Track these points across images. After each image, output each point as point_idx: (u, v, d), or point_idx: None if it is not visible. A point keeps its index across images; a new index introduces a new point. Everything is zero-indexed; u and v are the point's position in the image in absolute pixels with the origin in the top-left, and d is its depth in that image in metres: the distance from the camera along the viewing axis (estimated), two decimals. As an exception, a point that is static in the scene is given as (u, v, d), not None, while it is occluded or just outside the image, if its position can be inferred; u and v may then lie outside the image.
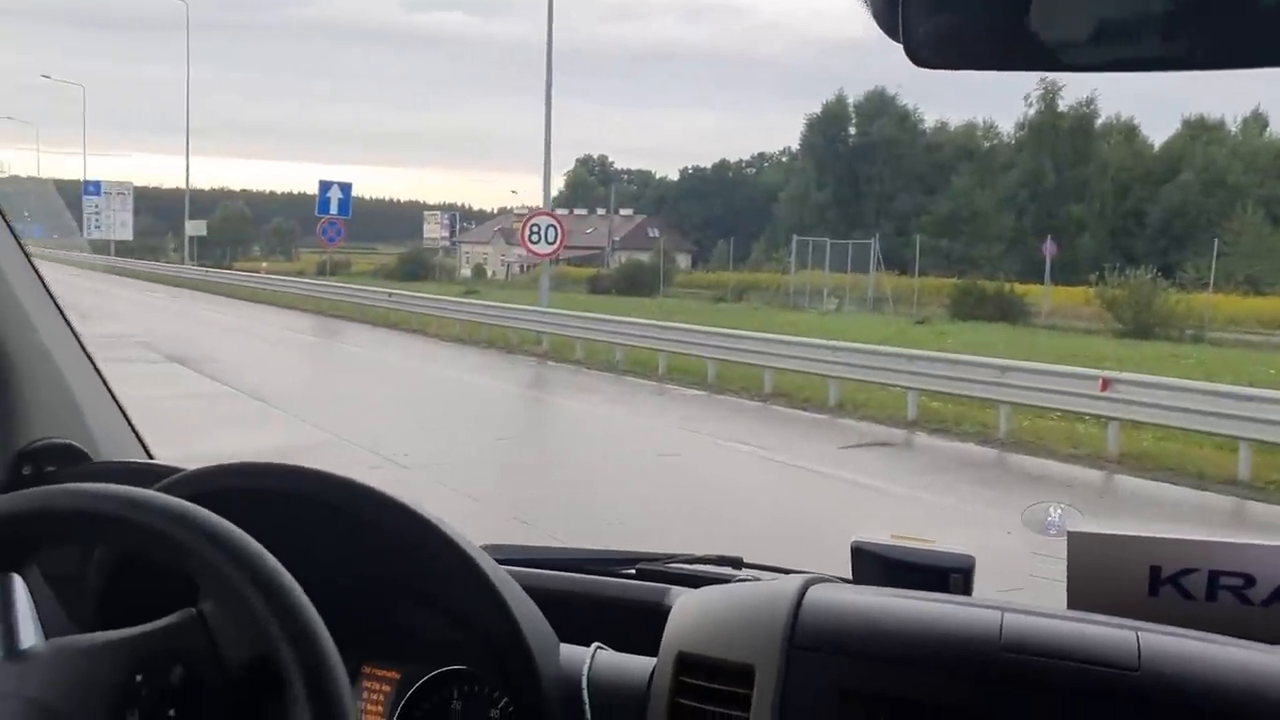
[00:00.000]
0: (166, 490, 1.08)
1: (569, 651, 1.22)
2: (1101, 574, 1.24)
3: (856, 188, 63.20)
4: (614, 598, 1.41)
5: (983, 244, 55.55)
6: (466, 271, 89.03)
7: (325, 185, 36.75)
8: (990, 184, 58.91)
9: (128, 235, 74.93)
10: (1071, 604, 1.24)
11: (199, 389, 15.47)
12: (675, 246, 72.79)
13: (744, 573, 1.47)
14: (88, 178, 71.00)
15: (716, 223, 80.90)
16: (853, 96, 66.74)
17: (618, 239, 74.88)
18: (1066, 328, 31.42)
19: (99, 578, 1.18)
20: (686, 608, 1.20)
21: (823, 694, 1.04)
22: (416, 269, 67.49)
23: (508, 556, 1.44)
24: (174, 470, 1.29)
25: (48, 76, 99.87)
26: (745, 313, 34.29)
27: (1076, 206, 55.72)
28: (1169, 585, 1.23)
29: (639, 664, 1.20)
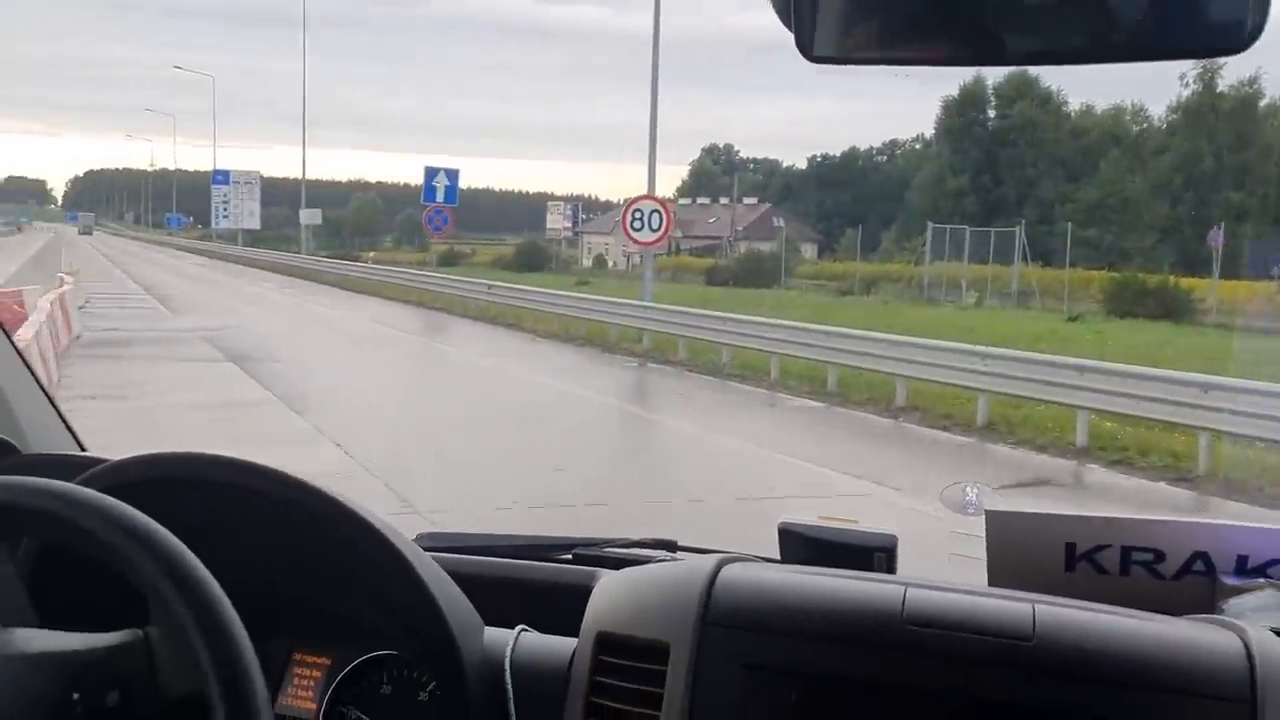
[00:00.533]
0: (88, 482, 1.12)
1: (493, 634, 1.21)
2: (1019, 551, 1.27)
3: (996, 174, 58.87)
4: (545, 582, 1.42)
5: (1135, 234, 50.93)
6: (588, 262, 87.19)
7: (431, 172, 34.79)
8: (1141, 170, 54.08)
9: (255, 224, 74.82)
10: (992, 581, 1.26)
11: (237, 395, 13.34)
12: (800, 236, 69.50)
13: (679, 555, 1.46)
14: (221, 168, 71.37)
15: (844, 212, 77.31)
16: (991, 79, 62.37)
17: (740, 228, 71.83)
18: (1243, 328, 27.38)
19: (26, 570, 1.15)
20: (607, 589, 1.20)
21: (733, 668, 1.06)
22: (533, 260, 65.74)
23: (443, 544, 1.48)
24: (102, 462, 1.25)
25: (179, 68, 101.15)
26: (874, 307, 31.03)
27: (1237, 194, 50.58)
28: (1084, 561, 1.26)
29: (562, 645, 1.19)
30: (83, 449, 1.83)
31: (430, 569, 1.20)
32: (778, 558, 1.35)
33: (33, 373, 1.87)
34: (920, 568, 1.28)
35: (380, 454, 9.86)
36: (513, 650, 1.20)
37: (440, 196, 34.75)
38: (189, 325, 21.00)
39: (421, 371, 17.65)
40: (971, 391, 12.93)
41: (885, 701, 1.04)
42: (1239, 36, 0.85)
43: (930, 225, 41.92)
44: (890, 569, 1.32)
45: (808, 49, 0.90)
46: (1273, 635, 1.04)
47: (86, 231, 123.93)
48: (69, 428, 1.87)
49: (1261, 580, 1.21)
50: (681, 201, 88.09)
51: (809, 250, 69.03)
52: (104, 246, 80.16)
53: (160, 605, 0.93)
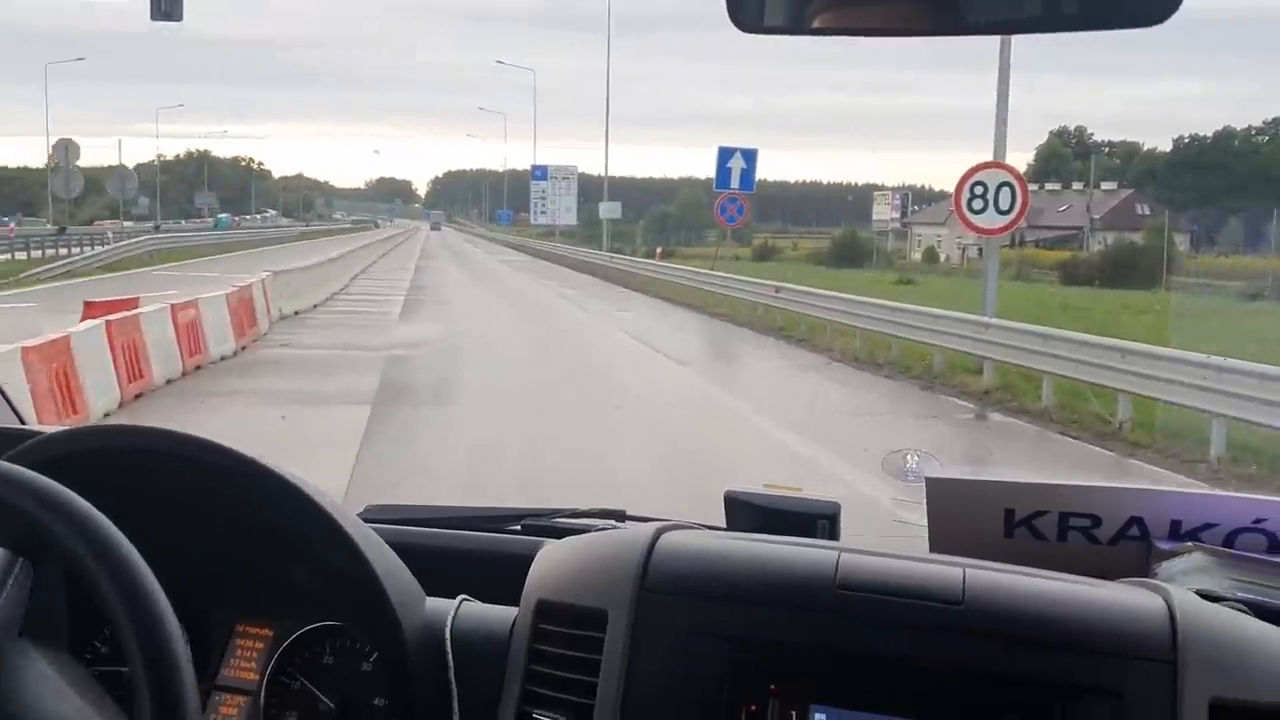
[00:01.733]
0: (19, 455, 1.11)
1: (435, 604, 1.20)
2: (959, 518, 1.26)
3: None
4: (490, 552, 1.41)
5: None
6: (916, 255, 78.99)
7: (725, 154, 29.08)
8: None
9: (571, 220, 72.74)
10: (933, 548, 1.25)
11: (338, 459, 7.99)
12: (1170, 225, 58.36)
13: (625, 525, 1.44)
14: (540, 164, 69.65)
15: (1217, 199, 65.03)
16: None
17: (1097, 217, 61.44)
18: None
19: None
20: (547, 558, 1.19)
21: (671, 634, 1.06)
22: (851, 254, 58.79)
23: (391, 516, 1.50)
24: (38, 434, 1.24)
25: (501, 62, 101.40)
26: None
27: None
28: (1023, 527, 1.25)
29: (503, 614, 1.19)
30: (22, 422, 1.76)
31: (372, 541, 1.19)
32: (724, 527, 1.33)
33: None
34: (864, 535, 1.25)
35: None
36: (454, 620, 1.18)
37: (735, 181, 28.97)
38: (394, 340, 16.50)
39: (650, 422, 11.49)
40: None
41: (818, 664, 1.03)
42: (1160, 8, 0.88)
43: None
44: (833, 536, 1.31)
45: (753, 20, 0.89)
46: (1195, 597, 1.04)
47: (436, 227, 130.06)
48: (9, 401, 1.81)
49: (1190, 544, 1.20)
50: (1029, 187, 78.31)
51: (1180, 241, 57.84)
52: (434, 242, 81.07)
53: (84, 579, 0.90)
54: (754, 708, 1.03)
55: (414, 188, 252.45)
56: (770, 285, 21.96)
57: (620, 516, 1.51)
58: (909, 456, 1.42)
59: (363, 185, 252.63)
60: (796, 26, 0.91)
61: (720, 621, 1.06)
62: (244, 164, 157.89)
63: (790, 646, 1.04)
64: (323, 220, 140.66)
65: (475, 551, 1.44)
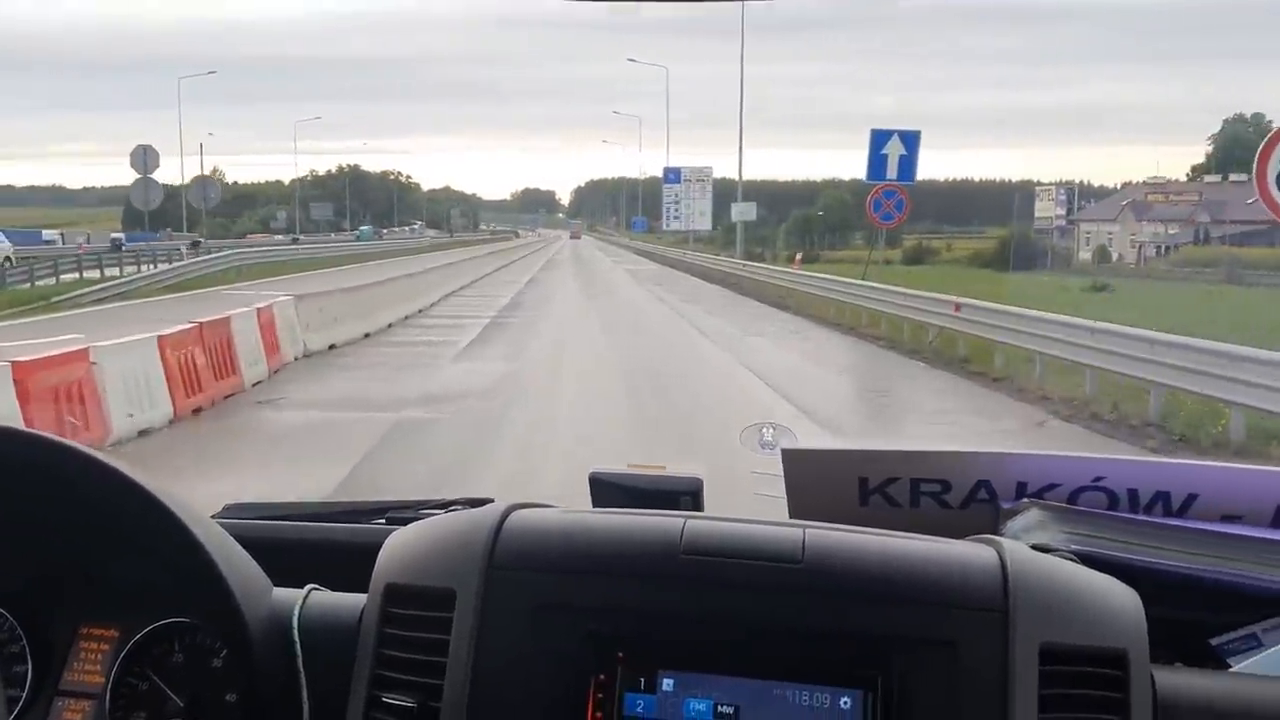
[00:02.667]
0: None
1: (282, 595, 1.17)
2: (816, 487, 1.27)
3: None
4: (344, 542, 1.39)
5: None
6: (1085, 254, 71.28)
7: (880, 137, 23.76)
8: None
9: (706, 225, 67.66)
10: (792, 518, 1.25)
11: None
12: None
13: None
14: (674, 166, 64.90)
15: None
16: None
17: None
18: None
19: None
20: (395, 542, 1.16)
21: (520, 610, 1.05)
22: (1021, 255, 52.00)
23: (249, 513, 1.49)
24: None
25: (633, 60, 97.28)
26: None
27: None
28: (877, 494, 1.26)
29: (353, 601, 1.15)
30: None
31: (215, 535, 1.16)
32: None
33: None
34: (726, 508, 1.24)
35: None
36: (301, 609, 1.14)
37: (892, 171, 23.52)
38: (429, 391, 11.88)
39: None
40: None
41: (665, 631, 1.03)
42: None
43: None
44: (696, 510, 1.30)
45: None
46: (1027, 549, 1.05)
47: (575, 236, 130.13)
48: None
49: (1026, 501, 1.21)
50: (1208, 179, 69.75)
51: None
52: (566, 251, 77.45)
53: None
54: (602, 677, 1.02)
55: (557, 197, 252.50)
56: (944, 300, 16.51)
57: (488, 504, 1.37)
58: (765, 429, 1.39)
59: (508, 196, 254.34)
60: None
61: (568, 594, 1.04)
62: (392, 178, 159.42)
63: (637, 614, 1.03)
64: (467, 231, 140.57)
65: (333, 543, 1.41)
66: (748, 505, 1.27)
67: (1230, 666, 1.08)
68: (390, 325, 18.78)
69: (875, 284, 20.95)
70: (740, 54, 40.57)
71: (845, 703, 0.98)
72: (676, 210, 62.78)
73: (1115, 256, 68.47)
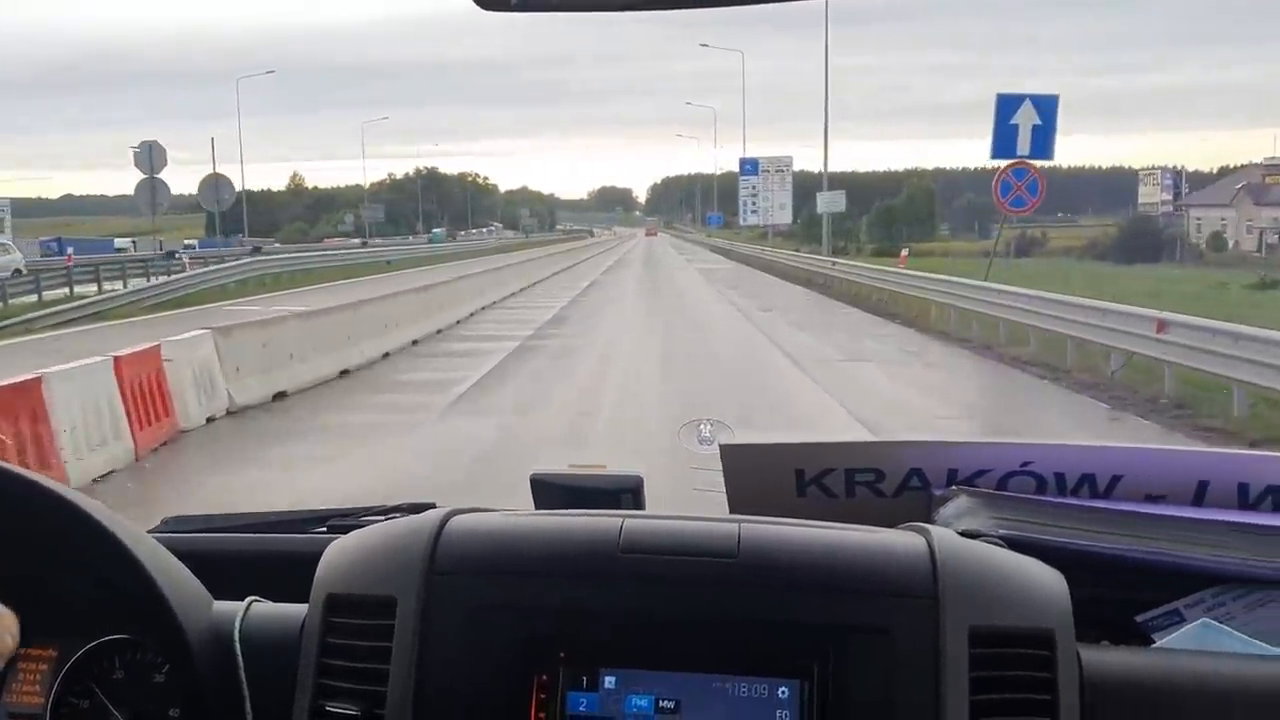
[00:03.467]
0: None
1: (223, 608, 1.16)
2: (754, 481, 1.27)
3: None
4: (285, 552, 1.37)
5: None
6: (1197, 241, 64.89)
7: (1008, 105, 18.88)
8: None
9: (786, 219, 62.34)
10: (732, 512, 1.26)
11: None
12: None
13: None
14: (750, 157, 59.69)
15: None
16: None
17: None
18: None
19: None
20: (335, 551, 1.14)
21: (461, 615, 1.04)
22: (1142, 244, 46.19)
23: (188, 526, 1.48)
24: None
25: (705, 45, 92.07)
26: None
27: None
28: (813, 485, 1.26)
29: (294, 611, 1.14)
30: None
31: (151, 549, 1.15)
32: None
33: None
34: (668, 505, 1.25)
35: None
36: (242, 621, 1.13)
37: (1024, 146, 18.64)
38: (391, 479, 7.29)
39: None
40: None
41: (607, 627, 1.03)
42: None
43: None
44: (638, 507, 1.30)
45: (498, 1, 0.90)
46: (955, 536, 1.06)
47: (651, 233, 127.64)
48: None
49: (956, 488, 1.22)
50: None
51: None
52: (639, 249, 73.13)
53: None
54: (545, 677, 1.02)
55: (634, 195, 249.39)
56: (1127, 313, 11.69)
57: (431, 509, 1.38)
58: (703, 425, 1.38)
59: (585, 195, 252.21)
60: (534, 5, 0.90)
61: (508, 597, 1.04)
62: (470, 179, 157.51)
63: (578, 614, 1.03)
64: (542, 231, 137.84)
65: (274, 554, 1.38)
66: (689, 501, 1.27)
67: (1154, 642, 1.10)
68: (388, 355, 14.46)
69: (1002, 286, 16.11)
70: (825, 21, 35.57)
71: (783, 692, 0.99)
72: (754, 204, 57.63)
73: (1231, 244, 62.00)
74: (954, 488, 1.23)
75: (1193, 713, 0.99)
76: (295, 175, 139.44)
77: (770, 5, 0.96)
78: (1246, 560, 1.11)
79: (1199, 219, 69.34)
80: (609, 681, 1.01)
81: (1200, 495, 1.21)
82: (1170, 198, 74.29)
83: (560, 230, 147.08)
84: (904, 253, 29.52)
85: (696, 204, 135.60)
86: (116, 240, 61.61)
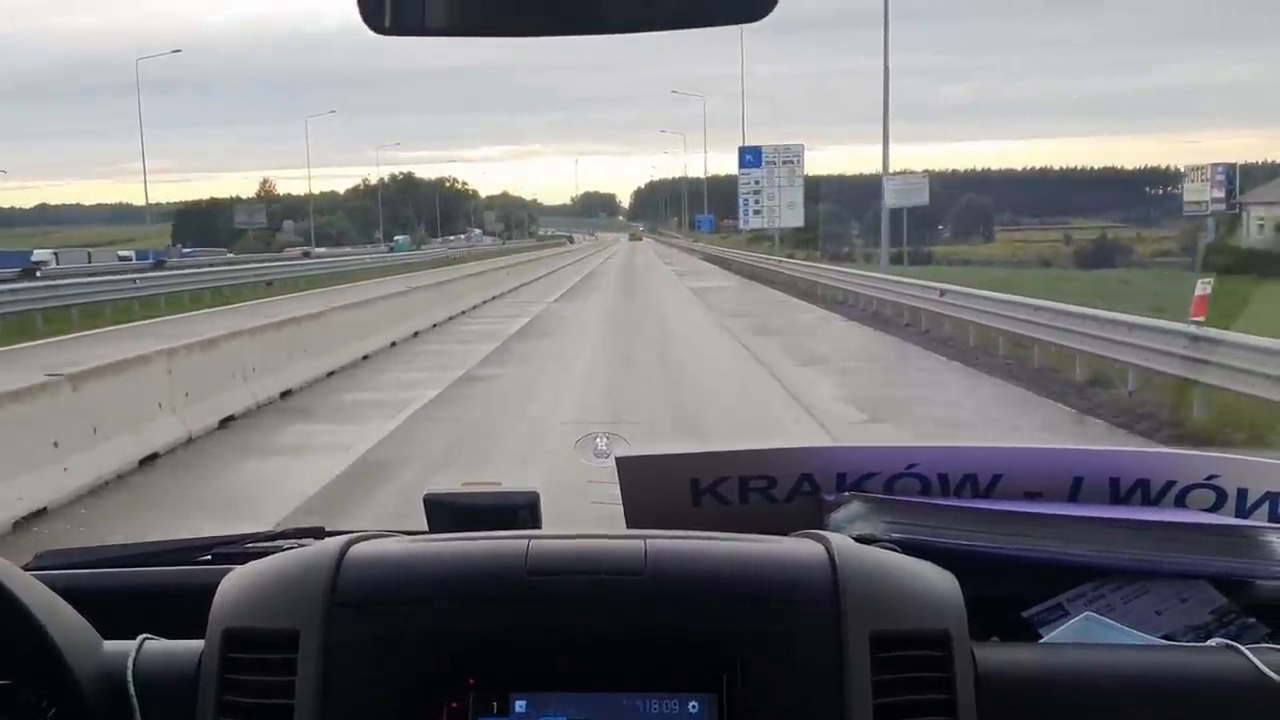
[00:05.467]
0: None
1: (114, 647, 1.11)
2: (651, 493, 1.27)
3: None
4: (175, 585, 1.33)
5: None
6: (1253, 242, 54.82)
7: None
8: None
9: (796, 220, 51.69)
10: (630, 524, 1.27)
11: None
12: None
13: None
14: (748, 146, 48.90)
15: None
16: None
17: None
18: None
19: None
20: (232, 584, 1.11)
21: (366, 645, 1.01)
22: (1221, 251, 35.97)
23: (65, 561, 1.41)
24: None
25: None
26: None
27: None
28: (708, 495, 1.27)
29: (191, 648, 1.09)
30: None
31: (31, 589, 1.09)
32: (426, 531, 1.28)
33: None
34: (565, 519, 1.24)
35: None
36: (135, 660, 1.08)
37: None
38: None
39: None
40: None
41: (516, 651, 1.01)
42: (758, 6, 0.94)
43: None
44: (535, 524, 1.30)
45: (379, 23, 0.89)
46: (852, 542, 1.08)
47: (637, 239, 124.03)
48: None
49: (848, 494, 1.23)
50: None
51: None
52: (619, 258, 64.02)
53: None
54: (455, 705, 1.00)
55: (618, 200, 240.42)
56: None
57: (319, 534, 1.37)
58: (599, 438, 1.37)
59: (569, 200, 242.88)
60: (421, 27, 0.91)
61: (414, 624, 1.02)
62: (448, 184, 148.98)
63: (486, 638, 1.01)
64: (519, 238, 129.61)
65: (161, 587, 1.33)
66: (586, 515, 1.24)
67: (1042, 637, 1.13)
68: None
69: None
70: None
71: (693, 707, 0.99)
72: (756, 202, 47.00)
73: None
74: (845, 493, 1.23)
75: (1079, 702, 1.01)
76: (265, 182, 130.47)
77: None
78: (1122, 554, 1.15)
79: (1261, 219, 59.38)
80: (519, 706, 1.00)
81: (1075, 490, 1.25)
82: (1223, 194, 64.22)
83: (532, 238, 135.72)
84: (1203, 289, 12.08)
85: (683, 207, 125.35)
86: (36, 251, 53.83)
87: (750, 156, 47.71)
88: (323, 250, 70.74)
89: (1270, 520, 1.23)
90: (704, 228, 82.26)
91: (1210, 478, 1.24)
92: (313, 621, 1.01)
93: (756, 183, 47.31)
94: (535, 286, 33.11)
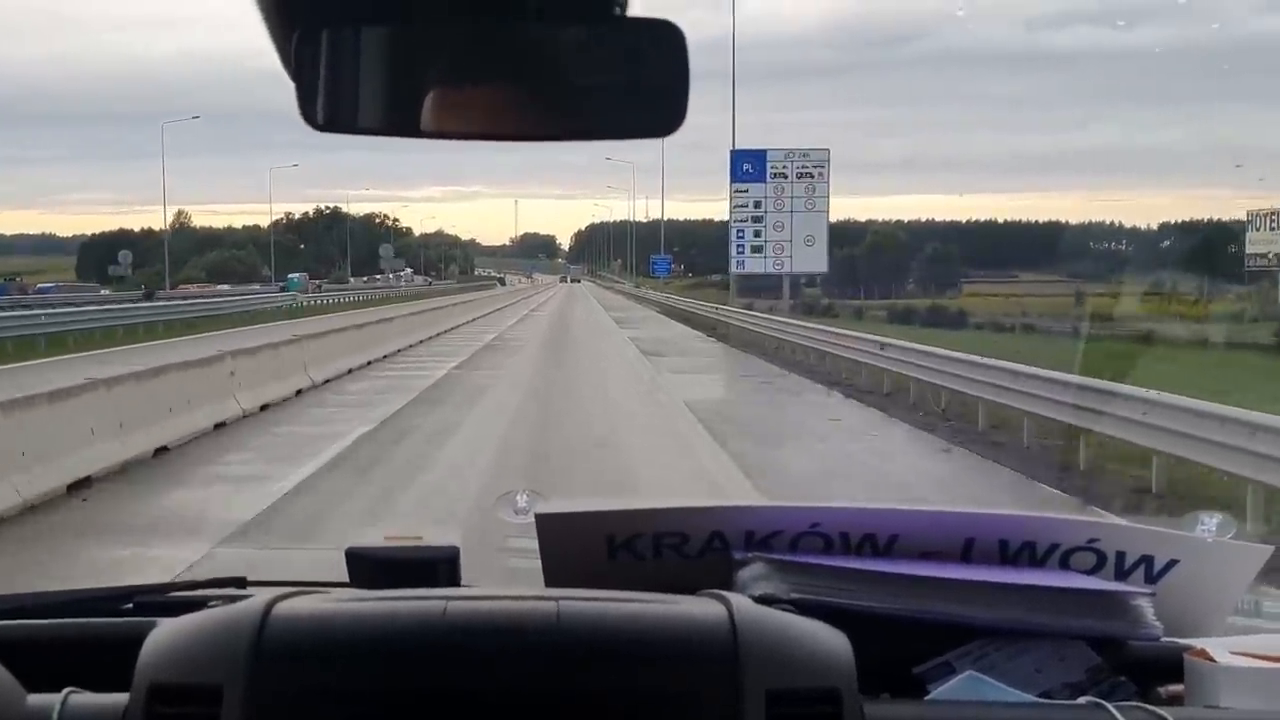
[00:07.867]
0: None
1: (38, 701, 1.10)
2: (568, 549, 1.30)
3: None
4: (100, 636, 1.31)
5: None
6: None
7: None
8: None
9: (820, 266, 36.76)
10: (548, 581, 1.30)
11: None
12: None
13: (248, 592, 1.39)
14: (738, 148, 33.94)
15: None
16: None
17: None
18: None
19: None
20: (158, 638, 1.11)
21: (289, 702, 1.03)
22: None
23: None
24: None
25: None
26: None
27: None
28: (623, 550, 1.30)
29: (116, 701, 1.09)
30: None
31: None
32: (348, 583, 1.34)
33: None
34: (485, 576, 1.25)
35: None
36: (59, 714, 1.07)
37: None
38: None
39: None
40: None
41: (434, 710, 1.02)
42: (668, 123, 0.97)
43: None
44: (454, 580, 1.34)
45: (312, 118, 0.93)
46: (752, 603, 1.12)
47: (576, 280, 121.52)
48: None
49: (752, 555, 1.29)
50: None
51: None
52: (554, 304, 59.39)
53: None
54: None
55: (557, 242, 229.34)
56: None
57: (241, 583, 1.41)
58: (519, 496, 1.40)
59: (508, 241, 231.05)
60: (353, 126, 0.96)
61: (336, 682, 1.03)
62: (378, 221, 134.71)
63: (404, 697, 1.02)
64: (446, 278, 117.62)
65: (84, 638, 1.32)
66: (505, 571, 1.17)
67: (929, 693, 1.17)
68: None
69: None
70: None
71: None
72: (756, 234, 30.80)
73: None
74: (751, 554, 1.28)
75: None
76: (180, 213, 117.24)
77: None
78: (1007, 615, 1.21)
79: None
80: None
81: (968, 551, 1.30)
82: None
83: (449, 281, 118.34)
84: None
85: (629, 249, 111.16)
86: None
87: (748, 165, 31.53)
88: (194, 289, 64.37)
89: (1146, 582, 1.30)
90: (660, 272, 67.58)
91: (1091, 541, 1.31)
92: (236, 677, 1.01)
93: (756, 205, 31.49)
94: (432, 346, 25.12)
